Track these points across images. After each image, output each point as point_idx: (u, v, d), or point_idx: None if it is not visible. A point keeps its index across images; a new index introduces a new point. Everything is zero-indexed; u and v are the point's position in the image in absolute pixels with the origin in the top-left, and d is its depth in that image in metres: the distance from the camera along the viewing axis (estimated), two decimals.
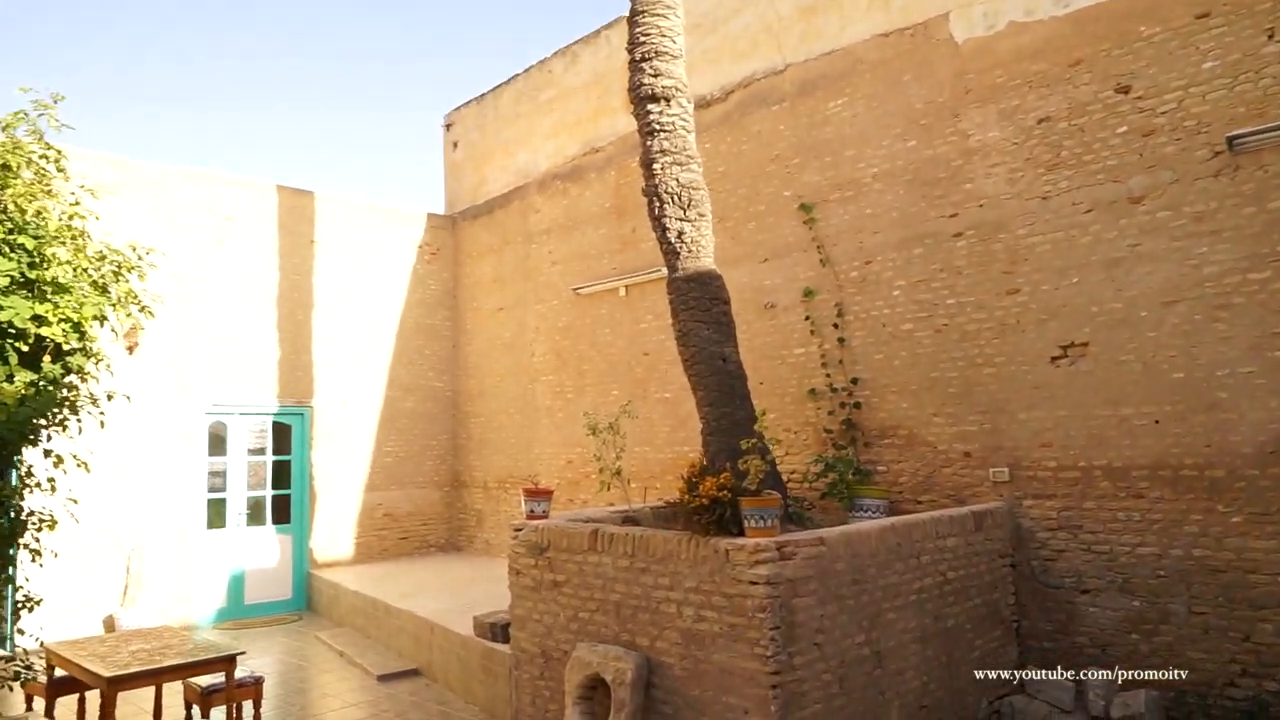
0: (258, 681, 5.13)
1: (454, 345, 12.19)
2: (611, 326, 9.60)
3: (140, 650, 4.86)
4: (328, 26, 30.39)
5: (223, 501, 10.06)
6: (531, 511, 6.20)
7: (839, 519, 6.55)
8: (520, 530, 5.97)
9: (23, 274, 4.15)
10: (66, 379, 4.45)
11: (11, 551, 4.45)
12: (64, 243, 4.42)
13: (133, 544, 9.13)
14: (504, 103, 11.86)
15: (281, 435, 10.62)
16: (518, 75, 11.62)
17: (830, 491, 6.73)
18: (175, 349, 9.68)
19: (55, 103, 4.57)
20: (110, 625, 8.90)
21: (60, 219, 4.65)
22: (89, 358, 4.50)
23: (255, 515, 10.31)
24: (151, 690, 5.32)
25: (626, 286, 9.41)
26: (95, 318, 4.37)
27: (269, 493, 10.44)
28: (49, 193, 4.52)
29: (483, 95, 12.29)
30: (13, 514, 4.58)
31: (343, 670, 7.61)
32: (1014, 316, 6.26)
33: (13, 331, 4.12)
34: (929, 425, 6.66)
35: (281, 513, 10.53)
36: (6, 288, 4.23)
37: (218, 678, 5.04)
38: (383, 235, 11.65)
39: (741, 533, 4.68)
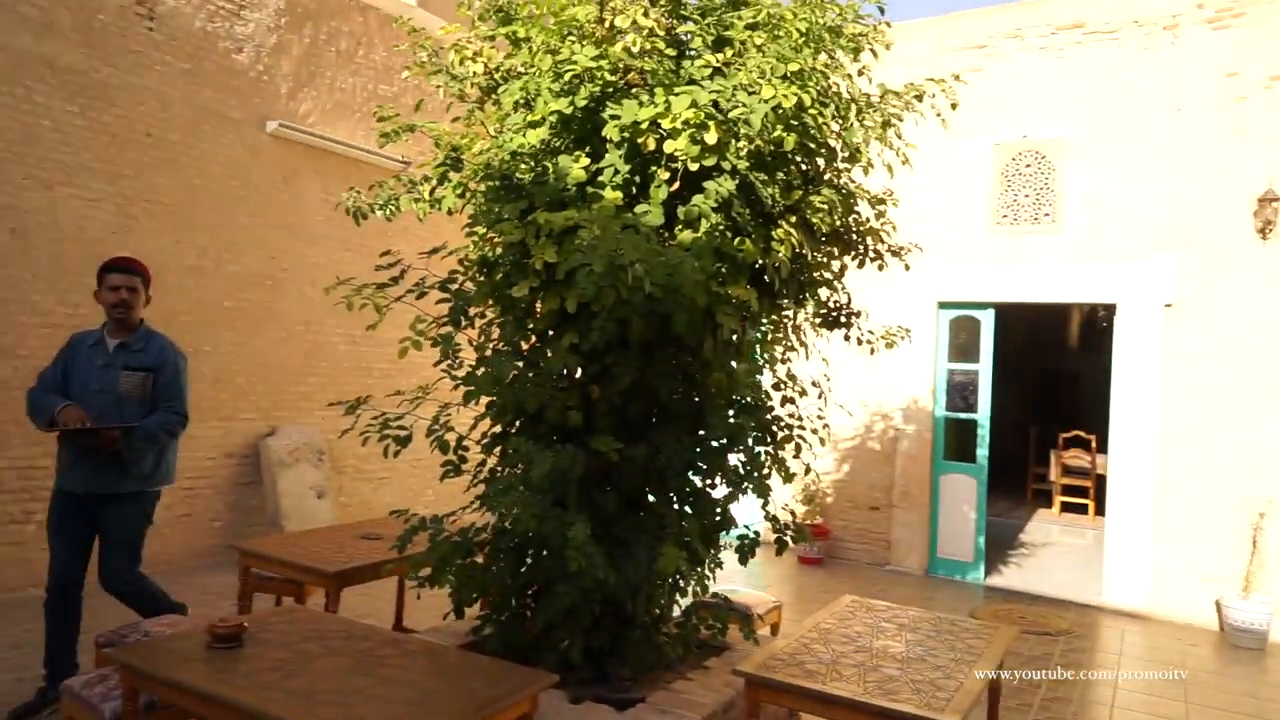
0: None
1: None
2: None
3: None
4: None
5: None
6: None
7: None
8: None
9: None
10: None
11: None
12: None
13: (1260, 506, 6.24)
14: None
15: None
16: None
17: None
18: None
19: None
20: (1219, 614, 6.28)
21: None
22: (738, 178, 2.66)
23: None
24: None
25: None
26: (711, 118, 2.52)
27: None
28: None
29: None
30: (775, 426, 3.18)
31: None
32: None
33: (651, 154, 2.66)
34: None
35: None
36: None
37: None
38: None
39: None
